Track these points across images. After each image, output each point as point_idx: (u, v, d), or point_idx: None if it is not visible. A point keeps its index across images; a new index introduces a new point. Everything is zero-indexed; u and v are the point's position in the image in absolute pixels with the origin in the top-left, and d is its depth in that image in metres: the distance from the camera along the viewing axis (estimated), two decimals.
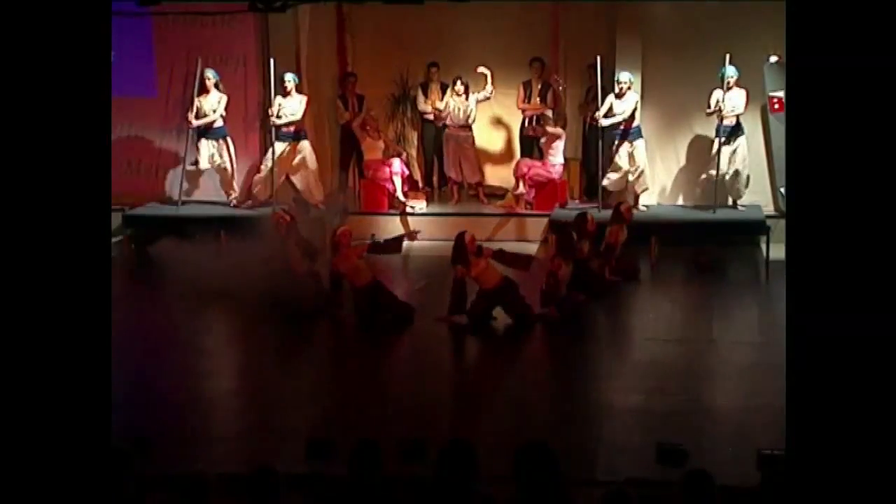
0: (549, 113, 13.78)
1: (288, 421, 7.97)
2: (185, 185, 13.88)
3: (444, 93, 14.25)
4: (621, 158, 13.24)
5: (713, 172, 13.07)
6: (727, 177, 13.10)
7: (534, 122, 13.96)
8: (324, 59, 14.58)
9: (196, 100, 13.48)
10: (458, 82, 13.85)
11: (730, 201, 13.34)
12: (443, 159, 14.49)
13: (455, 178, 14.27)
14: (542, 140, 13.64)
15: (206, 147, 13.62)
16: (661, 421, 7.77)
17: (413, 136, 14.84)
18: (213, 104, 13.54)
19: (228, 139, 13.67)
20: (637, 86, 13.50)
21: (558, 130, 13.52)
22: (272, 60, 13.36)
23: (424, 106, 14.38)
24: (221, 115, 13.57)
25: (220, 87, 13.57)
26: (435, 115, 14.18)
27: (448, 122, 14.07)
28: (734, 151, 13.11)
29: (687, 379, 8.86)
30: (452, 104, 13.97)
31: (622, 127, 13.17)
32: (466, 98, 13.88)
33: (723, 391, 8.77)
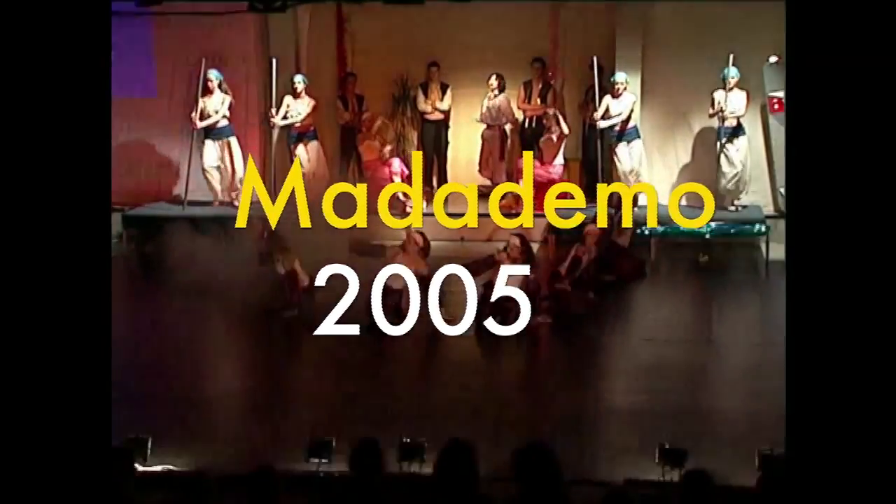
0: (551, 112, 13.76)
1: (288, 421, 7.97)
2: (191, 186, 13.83)
3: (443, 93, 14.25)
4: (621, 160, 13.25)
5: (718, 173, 13.08)
6: (728, 178, 13.11)
7: (534, 125, 13.96)
8: (324, 59, 14.58)
9: (200, 101, 13.47)
10: (493, 78, 13.82)
11: (727, 202, 13.34)
12: (442, 159, 14.49)
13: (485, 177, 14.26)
14: (542, 140, 13.63)
15: (212, 148, 13.61)
16: (661, 421, 7.76)
17: (413, 136, 14.83)
18: (216, 105, 13.53)
19: (232, 139, 13.66)
20: (637, 86, 13.49)
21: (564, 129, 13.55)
22: (274, 60, 13.36)
23: (424, 106, 14.37)
24: (225, 116, 13.57)
25: (224, 87, 13.57)
26: (482, 117, 14.08)
27: (488, 121, 14.06)
28: (736, 153, 13.11)
29: (687, 379, 8.87)
30: (488, 103, 13.95)
31: (618, 129, 13.17)
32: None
33: (723, 391, 8.77)
